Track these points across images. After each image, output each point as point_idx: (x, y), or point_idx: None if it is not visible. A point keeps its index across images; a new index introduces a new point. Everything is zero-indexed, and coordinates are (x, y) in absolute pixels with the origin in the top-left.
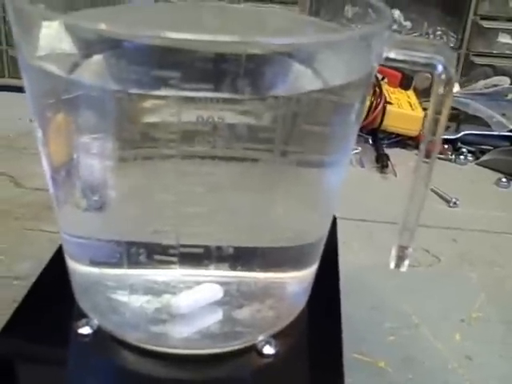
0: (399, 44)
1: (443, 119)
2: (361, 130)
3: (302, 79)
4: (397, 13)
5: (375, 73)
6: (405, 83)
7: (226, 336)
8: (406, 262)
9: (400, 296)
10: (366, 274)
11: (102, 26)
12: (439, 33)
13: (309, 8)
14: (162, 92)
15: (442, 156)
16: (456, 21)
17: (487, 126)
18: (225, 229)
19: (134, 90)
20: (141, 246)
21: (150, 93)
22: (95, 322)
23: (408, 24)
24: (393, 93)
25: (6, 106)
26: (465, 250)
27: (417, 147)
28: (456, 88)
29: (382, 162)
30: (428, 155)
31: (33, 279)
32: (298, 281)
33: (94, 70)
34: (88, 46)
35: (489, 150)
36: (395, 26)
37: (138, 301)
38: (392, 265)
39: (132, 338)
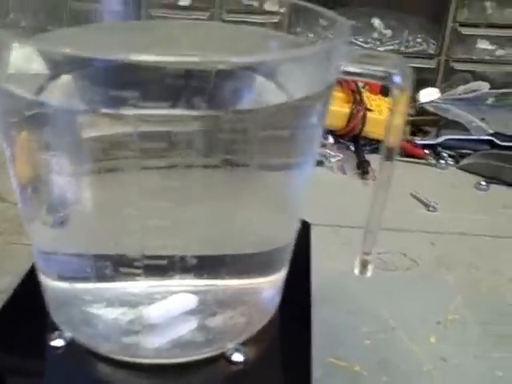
0: (358, 58)
1: (401, 125)
2: (342, 137)
3: (266, 92)
4: (377, 21)
5: (335, 84)
6: (386, 90)
7: (196, 345)
8: (370, 267)
9: (377, 300)
10: (343, 280)
11: (66, 49)
12: (419, 40)
13: (288, 19)
14: (122, 111)
15: (422, 161)
16: (436, 28)
17: (467, 130)
18: (189, 240)
19: (96, 109)
20: (107, 259)
21: (110, 111)
22: (68, 334)
23: (388, 32)
24: (374, 100)
25: None
26: (443, 253)
27: (398, 153)
28: (436, 94)
29: (363, 169)
30: (388, 158)
31: None
32: (267, 286)
33: (59, 91)
34: (54, 66)
35: (469, 154)
36: (376, 35)
37: (112, 313)
38: (356, 271)
39: (105, 349)
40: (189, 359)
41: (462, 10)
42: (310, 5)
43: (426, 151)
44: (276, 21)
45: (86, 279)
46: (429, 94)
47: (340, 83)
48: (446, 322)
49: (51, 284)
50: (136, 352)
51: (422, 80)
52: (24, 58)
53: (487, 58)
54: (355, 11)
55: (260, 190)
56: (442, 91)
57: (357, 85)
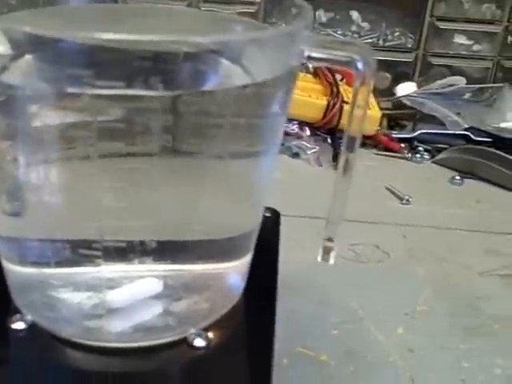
0: (321, 43)
1: (362, 112)
2: (318, 129)
3: (232, 76)
4: (355, 14)
5: (298, 69)
6: None
7: (159, 329)
8: (333, 254)
9: (348, 291)
10: (315, 271)
11: (25, 28)
12: (397, 34)
13: (264, 8)
14: (77, 90)
15: (398, 155)
16: (414, 22)
17: (443, 125)
18: (148, 223)
19: (51, 90)
20: (67, 243)
21: (66, 91)
22: (29, 317)
23: (366, 25)
24: (351, 92)
25: None
26: (414, 245)
27: (375, 146)
28: (413, 88)
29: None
30: (350, 148)
31: None
32: (231, 271)
33: (20, 72)
34: (16, 46)
35: (445, 149)
36: (354, 28)
37: (76, 297)
38: (319, 258)
39: (67, 333)
40: (151, 343)
41: (440, 5)
42: None
43: (402, 145)
44: (253, 11)
45: (47, 264)
46: (406, 88)
47: (317, 75)
48: (414, 314)
49: (12, 268)
50: (98, 336)
51: (400, 74)
52: None
53: (464, 52)
54: (334, 3)
55: (222, 176)
56: (419, 85)
57: (334, 77)
